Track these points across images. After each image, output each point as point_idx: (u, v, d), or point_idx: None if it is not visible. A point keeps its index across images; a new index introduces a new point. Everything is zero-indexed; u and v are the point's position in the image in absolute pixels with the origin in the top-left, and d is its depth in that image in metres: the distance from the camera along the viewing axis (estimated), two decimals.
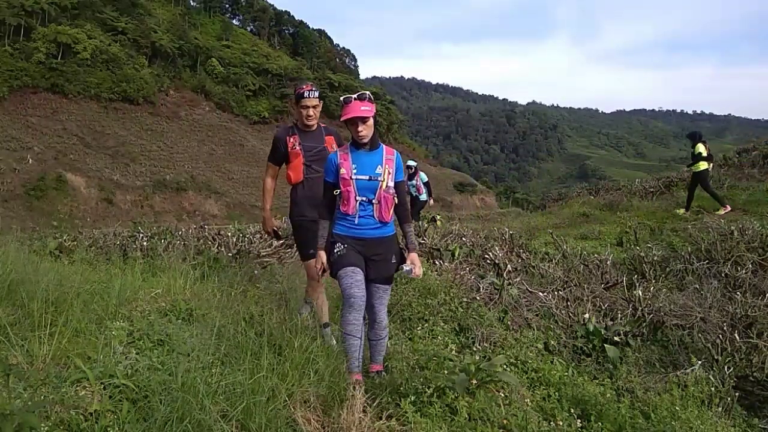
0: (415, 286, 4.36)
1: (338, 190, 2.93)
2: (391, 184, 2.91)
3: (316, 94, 3.49)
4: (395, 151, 3.01)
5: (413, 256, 2.94)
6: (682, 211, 10.48)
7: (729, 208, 10.02)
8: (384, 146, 2.98)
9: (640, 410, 2.75)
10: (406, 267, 2.87)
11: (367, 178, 2.88)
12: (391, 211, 2.93)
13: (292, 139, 3.48)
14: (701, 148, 10.33)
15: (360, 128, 2.84)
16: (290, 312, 3.39)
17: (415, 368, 2.85)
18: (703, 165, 10.33)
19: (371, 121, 2.87)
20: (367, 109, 2.82)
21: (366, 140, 2.88)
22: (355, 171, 2.88)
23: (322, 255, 2.96)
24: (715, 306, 4.17)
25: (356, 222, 2.90)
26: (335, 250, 2.89)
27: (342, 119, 2.85)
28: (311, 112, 3.46)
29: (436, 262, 5.64)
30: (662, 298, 4.27)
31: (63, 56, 68.67)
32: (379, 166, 2.90)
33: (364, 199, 2.89)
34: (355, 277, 2.82)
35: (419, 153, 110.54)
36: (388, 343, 3.14)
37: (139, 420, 1.92)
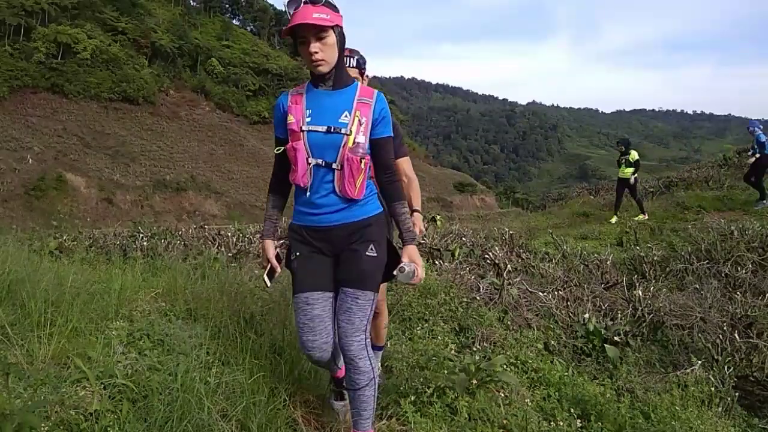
0: (415, 286, 4.35)
1: (280, 148, 2.00)
2: (362, 140, 1.92)
3: (353, 62, 2.50)
4: (377, 92, 2.00)
5: (411, 251, 1.97)
6: (641, 216, 10.46)
7: (616, 218, 10.68)
8: (360, 84, 2.02)
9: (640, 410, 2.75)
10: (406, 267, 1.91)
11: (324, 129, 1.91)
12: (360, 181, 1.92)
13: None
14: (636, 155, 10.60)
15: (313, 47, 1.84)
16: (290, 312, 3.39)
17: (415, 368, 2.84)
18: (631, 171, 10.54)
19: (332, 40, 1.87)
20: (323, 16, 1.82)
21: (325, 69, 1.89)
22: (308, 119, 1.92)
23: (267, 247, 2.08)
24: (715, 306, 4.16)
25: (311, 199, 1.95)
26: (291, 257, 2.06)
27: (285, 32, 1.88)
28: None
29: (436, 262, 5.64)
30: (662, 298, 4.26)
31: (63, 56, 68.70)
32: (346, 113, 1.92)
33: (320, 162, 1.92)
34: (311, 313, 1.96)
35: (419, 153, 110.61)
36: (377, 393, 2.05)
37: (139, 420, 1.92)
